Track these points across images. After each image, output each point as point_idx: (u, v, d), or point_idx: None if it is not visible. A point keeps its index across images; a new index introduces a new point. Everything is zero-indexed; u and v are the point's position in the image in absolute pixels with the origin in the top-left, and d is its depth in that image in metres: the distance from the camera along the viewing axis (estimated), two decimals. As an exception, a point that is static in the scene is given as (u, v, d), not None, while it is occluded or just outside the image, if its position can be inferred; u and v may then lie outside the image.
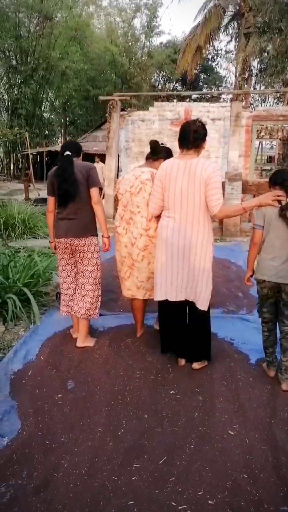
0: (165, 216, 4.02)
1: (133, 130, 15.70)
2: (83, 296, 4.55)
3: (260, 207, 3.83)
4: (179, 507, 2.50)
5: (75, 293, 4.66)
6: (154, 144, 4.61)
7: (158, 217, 4.24)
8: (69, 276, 4.67)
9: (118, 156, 14.12)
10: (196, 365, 4.15)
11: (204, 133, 3.94)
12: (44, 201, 14.14)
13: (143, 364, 4.20)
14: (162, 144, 4.75)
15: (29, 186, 17.21)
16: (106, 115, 12.39)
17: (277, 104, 29.93)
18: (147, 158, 4.66)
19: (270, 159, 29.17)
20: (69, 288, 4.70)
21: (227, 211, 3.94)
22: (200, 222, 3.90)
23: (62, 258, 4.62)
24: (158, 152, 4.59)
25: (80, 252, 4.49)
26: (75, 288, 4.68)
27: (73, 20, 31.48)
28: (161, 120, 15.51)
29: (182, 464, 2.86)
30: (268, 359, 4.11)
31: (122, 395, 3.67)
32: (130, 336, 4.81)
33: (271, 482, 2.72)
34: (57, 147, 29.44)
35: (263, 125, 17.25)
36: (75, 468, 2.82)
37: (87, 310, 4.53)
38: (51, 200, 4.56)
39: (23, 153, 26.86)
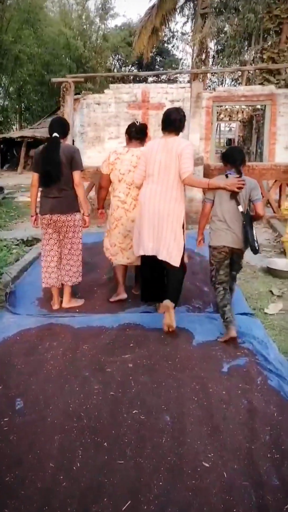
0: (146, 184, 4.69)
1: (88, 114, 15.03)
2: (71, 266, 5.08)
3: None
4: None
5: (59, 265, 5.10)
6: (143, 126, 5.26)
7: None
8: (52, 249, 5.08)
9: (73, 141, 13.49)
10: (167, 302, 4.55)
11: (184, 120, 4.70)
12: (-1, 190, 13.60)
13: (102, 377, 3.69)
14: (138, 122, 5.34)
15: (-19, 174, 16.43)
16: (60, 99, 11.72)
17: (235, 85, 29.62)
18: (135, 138, 5.17)
19: (229, 142, 28.97)
20: (52, 261, 5.09)
21: (192, 180, 4.61)
22: (174, 189, 4.55)
23: (46, 232, 5.03)
24: (145, 133, 5.22)
25: (66, 227, 4.95)
26: (58, 260, 5.10)
27: (26, 3, 30.22)
28: (117, 103, 14.87)
29: (149, 510, 2.36)
30: (226, 317, 4.40)
31: (78, 417, 3.16)
32: (87, 342, 4.29)
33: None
34: (12, 134, 28.49)
35: (223, 106, 16.87)
36: (19, 521, 2.28)
37: (76, 278, 5.16)
38: (35, 176, 4.94)
39: (-24, 140, 25.88)
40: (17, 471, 2.65)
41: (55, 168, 4.72)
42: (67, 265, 5.08)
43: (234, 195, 4.36)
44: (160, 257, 4.56)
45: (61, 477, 2.59)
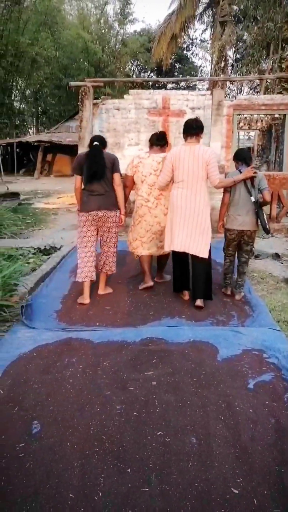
0: (176, 188, 5.45)
1: (108, 120, 14.88)
2: (108, 257, 5.70)
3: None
4: None
5: (94, 262, 5.63)
6: (163, 134, 5.99)
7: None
8: (92, 246, 5.61)
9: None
10: (199, 302, 5.43)
11: (202, 126, 5.41)
12: (13, 195, 13.43)
13: (124, 396, 3.50)
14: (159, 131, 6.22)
15: (-2, 179, 16.26)
16: (79, 103, 11.57)
17: (253, 94, 29.42)
18: (155, 145, 5.92)
19: (249, 150, 28.73)
20: (90, 258, 5.59)
21: (222, 183, 5.48)
22: (202, 191, 5.35)
23: (89, 230, 5.55)
24: (165, 140, 5.94)
25: (108, 222, 5.55)
26: (93, 259, 5.62)
27: (43, 5, 30.19)
28: (137, 109, 14.70)
29: None
30: (227, 282, 5.95)
31: (99, 441, 2.97)
32: (108, 358, 4.10)
33: None
34: (29, 138, 28.47)
35: (244, 114, 16.66)
36: None
37: (111, 267, 5.77)
38: (78, 179, 5.53)
39: (-8, 144, 25.87)
40: (34, 503, 2.45)
41: (101, 167, 5.36)
42: (105, 256, 5.70)
43: (248, 188, 5.46)
44: (191, 252, 5.40)
45: (82, 509, 2.41)
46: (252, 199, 5.44)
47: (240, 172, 5.51)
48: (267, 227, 5.49)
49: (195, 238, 5.36)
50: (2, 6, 27.56)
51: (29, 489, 2.55)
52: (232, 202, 5.59)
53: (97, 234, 5.66)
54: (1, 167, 19.58)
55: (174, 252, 5.63)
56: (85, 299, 5.55)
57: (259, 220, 5.51)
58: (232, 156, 6.27)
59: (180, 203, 5.37)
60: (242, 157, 5.71)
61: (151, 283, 6.04)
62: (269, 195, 5.53)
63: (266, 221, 5.48)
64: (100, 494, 2.52)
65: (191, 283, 5.63)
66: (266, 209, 8.48)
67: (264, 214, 5.53)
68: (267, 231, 5.56)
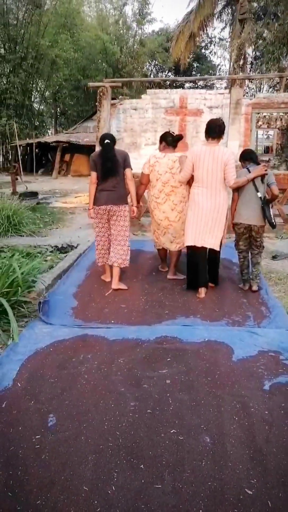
0: (196, 186, 5.71)
1: (125, 120, 14.92)
2: (118, 250, 5.95)
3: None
4: None
5: (109, 249, 6.06)
6: (178, 136, 6.25)
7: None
8: (104, 235, 6.07)
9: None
10: (210, 284, 6.00)
11: (224, 128, 5.66)
12: (32, 195, 13.51)
13: (138, 393, 3.52)
14: (174, 133, 6.41)
15: (17, 179, 16.31)
16: (97, 104, 11.61)
17: (273, 93, 29.25)
18: (169, 145, 6.16)
19: (267, 150, 28.48)
20: (104, 244, 6.10)
21: (238, 183, 5.61)
22: (221, 190, 5.62)
23: (100, 222, 6.00)
24: (177, 142, 6.23)
25: (116, 216, 5.90)
26: (108, 246, 6.08)
27: (63, 7, 30.45)
28: (154, 109, 14.70)
29: None
30: (244, 278, 6.10)
31: (113, 436, 2.99)
32: (123, 355, 4.13)
33: None
34: (48, 139, 28.60)
35: (263, 113, 16.58)
36: None
37: (122, 260, 5.97)
38: (94, 174, 5.84)
39: (12, 144, 25.93)
40: (49, 493, 2.50)
41: (113, 163, 5.72)
42: (115, 246, 5.96)
43: (255, 184, 5.65)
44: (208, 246, 5.72)
45: (96, 502, 2.44)
46: (259, 194, 5.65)
47: (249, 171, 5.75)
48: (273, 221, 5.73)
49: (212, 234, 5.67)
50: (23, 10, 27.77)
51: (44, 480, 2.61)
52: (239, 198, 5.83)
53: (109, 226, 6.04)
54: (21, 167, 19.65)
55: (190, 249, 5.83)
56: (107, 277, 6.25)
57: (265, 216, 5.70)
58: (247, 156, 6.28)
59: (201, 202, 5.61)
60: (249, 156, 6.08)
61: (166, 269, 6.76)
62: (277, 189, 5.73)
63: (272, 216, 5.74)
64: (114, 488, 2.55)
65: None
66: None
67: (271, 210, 5.81)
68: (273, 226, 5.78)
